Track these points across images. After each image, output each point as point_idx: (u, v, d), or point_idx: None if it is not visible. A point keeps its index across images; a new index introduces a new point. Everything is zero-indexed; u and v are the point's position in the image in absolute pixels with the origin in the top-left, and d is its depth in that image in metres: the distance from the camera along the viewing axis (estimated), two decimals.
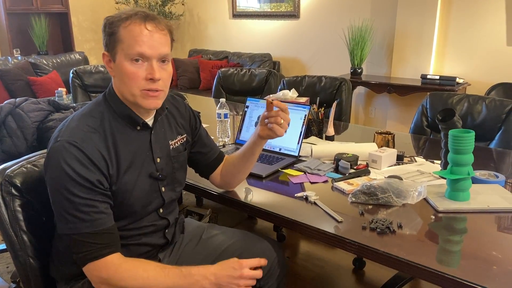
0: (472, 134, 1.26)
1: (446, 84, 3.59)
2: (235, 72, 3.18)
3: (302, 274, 2.22)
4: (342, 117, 2.60)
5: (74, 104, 2.79)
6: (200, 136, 1.36)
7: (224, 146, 1.89)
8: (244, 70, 3.17)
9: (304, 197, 1.37)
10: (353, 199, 1.33)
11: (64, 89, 3.36)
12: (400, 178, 1.44)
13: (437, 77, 3.67)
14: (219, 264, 1.08)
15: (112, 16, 1.07)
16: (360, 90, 4.49)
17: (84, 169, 1.00)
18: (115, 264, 1.02)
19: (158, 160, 1.18)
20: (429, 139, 2.03)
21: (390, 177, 1.44)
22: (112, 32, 1.05)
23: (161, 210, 1.21)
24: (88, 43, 5.81)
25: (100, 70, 3.30)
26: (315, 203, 1.33)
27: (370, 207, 1.30)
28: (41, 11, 5.04)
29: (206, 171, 1.41)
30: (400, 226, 1.17)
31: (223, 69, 3.23)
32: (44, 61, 4.70)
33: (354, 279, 2.18)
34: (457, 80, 3.61)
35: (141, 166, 1.14)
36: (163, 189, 1.19)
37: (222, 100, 1.98)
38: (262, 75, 3.11)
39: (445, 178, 1.38)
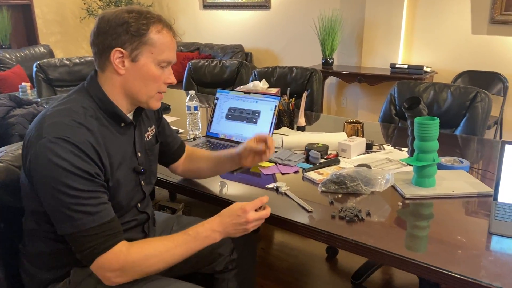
0: (437, 121, 1.29)
1: (414, 73, 3.66)
2: (206, 64, 3.14)
3: (277, 264, 2.24)
4: (314, 107, 2.61)
5: (38, 99, 2.69)
6: (163, 126, 1.35)
7: (194, 139, 1.86)
8: (215, 62, 3.14)
9: (275, 188, 1.36)
10: (323, 188, 1.34)
11: (28, 84, 3.23)
12: (369, 167, 1.45)
13: (406, 66, 3.74)
14: (223, 213, 1.08)
15: (127, 14, 1.02)
16: (331, 80, 4.53)
17: (81, 161, 0.96)
18: (123, 251, 0.99)
19: (139, 154, 1.17)
20: (397, 127, 2.07)
21: (359, 165, 1.46)
22: (140, 33, 1.02)
23: (139, 205, 1.20)
24: (53, 36, 5.61)
25: (65, 64, 3.19)
26: (285, 194, 1.33)
27: (339, 196, 1.31)
28: (3, 3, 4.83)
29: (168, 161, 1.40)
30: (368, 214, 1.18)
31: (193, 61, 3.18)
32: (7, 55, 4.51)
33: (328, 267, 2.21)
34: (425, 68, 3.69)
35: (129, 161, 1.13)
36: (142, 183, 1.19)
37: (192, 92, 1.95)
38: (234, 67, 3.08)
39: (411, 165, 1.41)
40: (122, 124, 1.11)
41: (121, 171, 1.09)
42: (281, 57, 4.91)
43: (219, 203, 1.33)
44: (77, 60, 3.26)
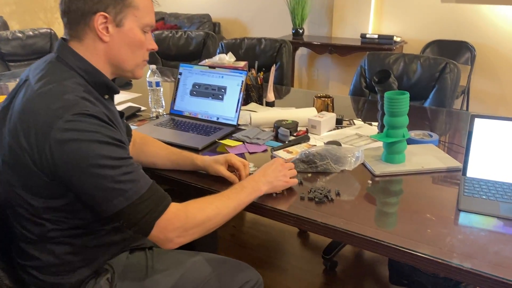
0: (407, 95, 1.25)
1: (384, 43, 3.63)
2: (170, 35, 2.99)
3: (249, 241, 2.22)
4: (284, 81, 2.54)
5: None
6: None
7: (157, 117, 1.77)
8: (180, 33, 2.99)
9: None
10: None
11: None
12: (339, 144, 1.41)
13: (376, 36, 3.69)
14: (264, 167, 1.15)
15: None
16: (302, 51, 4.45)
17: (109, 130, 0.90)
18: (181, 209, 0.95)
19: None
20: (367, 101, 2.04)
21: (329, 143, 1.42)
22: None
23: None
24: (7, 7, 5.23)
25: (18, 36, 2.97)
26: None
27: (309, 175, 1.27)
28: None
29: None
30: (338, 194, 1.15)
31: (157, 32, 3.03)
32: None
33: (299, 242, 2.21)
34: (395, 38, 3.66)
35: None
36: None
37: (153, 66, 1.84)
38: (199, 38, 2.95)
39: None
40: (106, 97, 1.02)
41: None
42: (250, 27, 4.77)
43: (175, 184, 1.26)
44: (31, 33, 3.04)
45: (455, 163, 1.29)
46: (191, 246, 1.45)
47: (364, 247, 0.98)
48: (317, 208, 1.09)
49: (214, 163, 1.22)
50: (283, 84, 2.52)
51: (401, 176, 1.25)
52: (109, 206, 0.89)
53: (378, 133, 1.51)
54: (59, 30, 4.92)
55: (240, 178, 1.20)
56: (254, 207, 1.13)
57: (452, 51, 3.50)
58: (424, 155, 1.35)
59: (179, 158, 1.28)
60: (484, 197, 1.09)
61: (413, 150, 1.37)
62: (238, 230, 2.33)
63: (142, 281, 1.07)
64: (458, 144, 1.48)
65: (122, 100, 2.03)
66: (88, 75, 0.97)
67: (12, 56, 2.94)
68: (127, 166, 0.90)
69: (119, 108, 1.88)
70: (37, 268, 1.02)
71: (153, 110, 1.84)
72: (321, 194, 1.14)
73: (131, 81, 2.34)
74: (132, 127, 1.44)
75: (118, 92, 1.04)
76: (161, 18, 4.97)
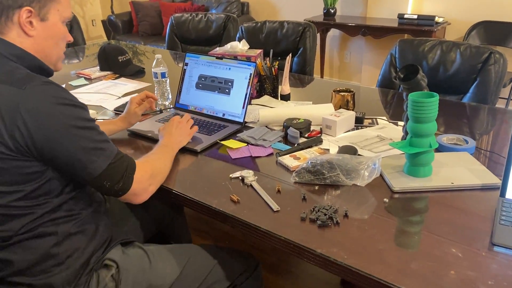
0: (436, 99, 1.04)
1: (425, 24, 3.31)
2: (190, 18, 2.83)
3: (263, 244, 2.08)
4: (306, 68, 2.34)
5: None
6: None
7: (161, 111, 1.64)
8: (200, 16, 2.83)
9: (240, 178, 1.16)
10: (296, 178, 1.13)
11: None
12: (355, 150, 1.23)
13: (415, 17, 3.38)
14: (167, 130, 1.28)
15: None
16: (334, 33, 4.17)
17: (72, 95, 0.93)
18: (140, 160, 1.07)
19: None
20: (397, 94, 1.81)
21: (342, 148, 1.24)
22: None
23: None
24: None
25: None
26: (251, 186, 1.12)
27: (316, 188, 1.10)
28: None
29: None
30: (346, 215, 0.98)
31: (176, 15, 2.88)
32: None
33: None
34: (436, 19, 3.33)
35: None
36: None
37: (158, 56, 1.70)
38: (220, 21, 2.78)
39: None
40: None
41: None
42: (279, 7, 4.52)
43: (176, 197, 1.13)
44: None
45: (493, 179, 1.08)
46: (167, 240, 1.45)
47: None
48: (319, 233, 0.93)
49: (129, 115, 1.40)
50: (305, 73, 2.32)
51: (425, 193, 1.06)
52: (95, 167, 0.93)
53: (399, 141, 1.30)
54: None
55: (152, 107, 1.43)
56: (247, 227, 0.98)
57: (501, 34, 3.13)
58: (455, 167, 1.14)
59: (102, 127, 1.27)
60: None
61: (442, 160, 1.17)
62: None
63: (148, 274, 1.08)
64: (499, 153, 1.25)
65: (130, 90, 1.92)
66: (21, 60, 0.95)
67: None
68: (97, 127, 0.95)
69: (123, 101, 1.76)
70: (19, 272, 0.95)
71: (159, 103, 1.72)
72: (325, 215, 0.97)
73: (143, 68, 2.23)
74: None
75: (51, 74, 1.03)
76: None
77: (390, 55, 1.91)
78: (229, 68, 1.52)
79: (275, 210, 1.01)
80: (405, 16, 3.41)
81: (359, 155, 1.23)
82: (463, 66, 1.71)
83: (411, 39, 1.87)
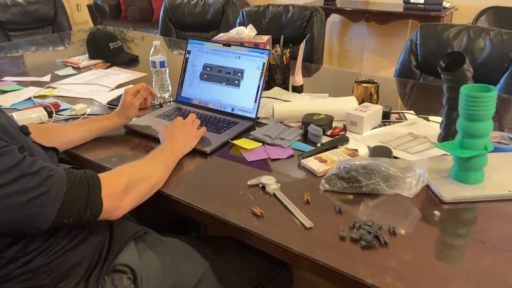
0: (494, 93, 0.88)
1: (432, 9, 3.15)
2: (185, 1, 2.63)
3: None
4: (314, 56, 2.17)
5: None
6: None
7: (161, 105, 1.46)
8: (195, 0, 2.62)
9: (260, 186, 0.99)
10: (327, 186, 0.97)
11: None
12: (389, 151, 1.07)
13: (422, 1, 3.21)
14: (170, 132, 1.11)
15: None
16: (334, 18, 3.99)
17: None
18: (108, 172, 0.87)
19: None
20: (417, 84, 1.66)
21: (375, 149, 1.07)
22: None
23: None
24: None
25: (17, 3, 2.68)
26: (274, 195, 0.96)
27: (350, 197, 0.94)
28: None
29: None
30: (393, 232, 0.82)
31: None
32: None
33: None
34: (444, 4, 3.17)
35: None
36: None
37: (156, 42, 1.51)
38: (218, 5, 2.58)
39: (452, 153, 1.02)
40: None
41: None
42: None
43: (177, 206, 0.97)
44: None
45: None
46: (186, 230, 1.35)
47: None
48: (365, 257, 0.77)
49: (125, 108, 1.22)
50: (313, 61, 2.15)
51: (479, 203, 0.91)
52: (42, 219, 0.73)
53: (442, 137, 1.14)
54: None
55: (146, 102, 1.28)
56: (275, 247, 0.82)
57: None
58: (509, 171, 0.99)
59: (96, 124, 1.20)
60: None
61: (492, 162, 1.02)
62: None
63: (169, 273, 0.96)
64: None
65: (124, 81, 1.72)
66: None
67: (13, 25, 2.66)
68: (28, 166, 0.72)
69: (117, 93, 1.58)
70: None
71: (158, 96, 1.53)
72: (369, 233, 0.81)
73: (137, 56, 2.03)
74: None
75: None
76: None
77: (410, 42, 1.75)
78: (239, 57, 1.34)
79: (308, 227, 0.85)
80: (411, 0, 3.25)
81: (394, 157, 1.07)
82: (493, 54, 1.56)
83: (434, 24, 1.71)
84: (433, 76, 1.72)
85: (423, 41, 1.71)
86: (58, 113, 1.40)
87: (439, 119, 1.31)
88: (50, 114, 1.37)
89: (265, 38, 1.63)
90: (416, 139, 1.18)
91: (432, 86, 1.61)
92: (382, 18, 3.36)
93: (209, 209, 0.92)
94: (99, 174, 0.83)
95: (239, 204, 0.93)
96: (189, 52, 1.43)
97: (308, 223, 0.85)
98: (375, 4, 3.56)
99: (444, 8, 3.16)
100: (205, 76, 1.40)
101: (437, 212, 0.88)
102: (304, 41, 1.58)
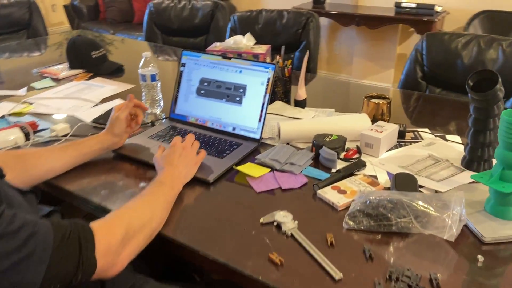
0: None
1: (424, 13, 3.09)
2: (171, 5, 2.48)
3: None
4: (310, 64, 2.06)
5: None
6: None
7: (153, 124, 1.32)
8: (183, 3, 2.48)
9: (275, 224, 0.87)
10: (350, 223, 0.85)
11: None
12: (415, 180, 0.96)
13: (414, 5, 3.15)
14: (167, 159, 0.97)
15: None
16: (323, 22, 3.90)
17: None
18: (101, 222, 0.73)
19: None
20: (423, 97, 1.56)
21: (400, 177, 0.97)
22: None
23: None
24: None
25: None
26: (292, 236, 0.84)
27: (378, 237, 0.83)
28: None
29: None
30: (437, 285, 0.71)
31: (155, 1, 2.51)
32: None
33: None
34: (436, 8, 3.11)
35: None
36: None
37: (146, 54, 1.37)
38: (206, 9, 2.44)
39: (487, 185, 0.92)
40: None
41: None
42: None
43: (189, 256, 0.84)
44: (5, 1, 2.54)
45: None
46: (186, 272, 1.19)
47: None
48: None
49: (112, 124, 1.09)
50: (309, 70, 2.04)
51: None
52: (27, 281, 0.60)
53: (466, 161, 1.04)
54: None
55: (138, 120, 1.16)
56: None
57: (506, 25, 2.95)
58: None
59: (79, 147, 1.05)
60: None
61: None
62: None
63: None
64: None
65: (110, 94, 1.57)
66: None
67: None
68: (7, 224, 0.59)
69: (103, 109, 1.43)
70: None
71: (148, 112, 1.39)
72: (409, 286, 0.70)
73: (122, 66, 1.88)
74: None
75: None
76: None
77: (415, 51, 1.66)
78: (240, 71, 1.22)
79: (337, 279, 0.73)
80: (403, 4, 3.18)
81: (420, 186, 0.97)
82: (506, 65, 1.48)
83: (441, 33, 1.62)
84: (440, 88, 1.64)
85: (429, 51, 1.62)
86: (36, 134, 1.24)
87: (456, 138, 1.22)
88: (27, 136, 1.21)
89: (264, 48, 1.51)
90: (438, 163, 1.08)
91: (441, 99, 1.52)
92: (373, 22, 3.28)
93: (218, 256, 0.79)
94: (91, 224, 0.69)
95: (254, 248, 0.81)
96: (183, 65, 1.30)
97: (337, 274, 0.73)
98: (365, 8, 3.49)
99: (437, 12, 3.11)
100: (202, 92, 1.27)
101: (481, 257, 0.77)
102: (307, 52, 1.46)
